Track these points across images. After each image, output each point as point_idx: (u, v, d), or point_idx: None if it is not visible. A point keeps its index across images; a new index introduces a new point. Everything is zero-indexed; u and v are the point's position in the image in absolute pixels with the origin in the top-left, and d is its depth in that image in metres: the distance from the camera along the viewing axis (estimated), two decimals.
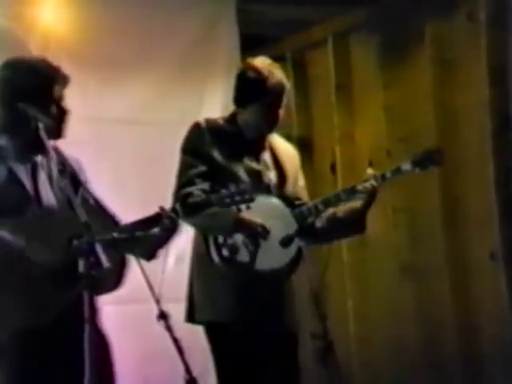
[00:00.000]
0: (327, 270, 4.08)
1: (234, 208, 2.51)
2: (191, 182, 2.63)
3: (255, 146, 2.74)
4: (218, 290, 2.64)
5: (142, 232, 2.38)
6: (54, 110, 2.41)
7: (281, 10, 4.07)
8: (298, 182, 2.83)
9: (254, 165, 2.70)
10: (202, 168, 2.65)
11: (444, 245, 3.73)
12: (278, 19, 4.15)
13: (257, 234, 2.61)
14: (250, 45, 4.03)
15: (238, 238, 2.63)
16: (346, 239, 3.66)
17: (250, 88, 2.68)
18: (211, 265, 2.64)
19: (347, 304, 4.10)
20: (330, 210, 2.74)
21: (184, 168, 2.68)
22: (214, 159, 2.66)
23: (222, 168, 2.65)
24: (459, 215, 3.71)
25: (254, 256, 2.62)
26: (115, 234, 2.27)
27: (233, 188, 2.41)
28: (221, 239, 2.63)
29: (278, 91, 2.67)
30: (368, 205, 2.70)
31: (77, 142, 3.38)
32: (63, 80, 2.46)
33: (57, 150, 2.48)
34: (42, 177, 2.41)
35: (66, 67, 3.48)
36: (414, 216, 3.89)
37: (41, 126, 2.33)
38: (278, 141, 2.84)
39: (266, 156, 2.75)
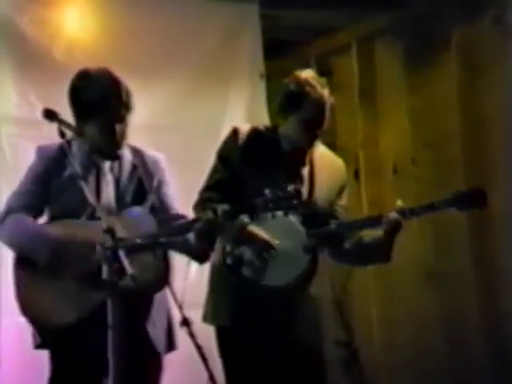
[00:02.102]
0: (350, 277, 4.06)
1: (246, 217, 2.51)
2: (214, 187, 2.64)
3: (293, 159, 2.70)
4: (222, 295, 2.65)
5: (164, 238, 2.40)
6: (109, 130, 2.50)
7: (304, 16, 4.05)
8: (337, 201, 2.77)
9: (286, 179, 2.63)
10: (227, 176, 2.65)
11: (470, 251, 3.69)
12: (302, 24, 4.14)
13: (260, 249, 2.59)
14: (274, 50, 4.02)
15: (246, 250, 2.62)
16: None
17: (290, 101, 2.65)
18: (220, 271, 2.66)
19: (371, 312, 4.06)
20: (358, 234, 2.70)
21: (213, 171, 2.70)
22: (245, 170, 2.65)
23: (250, 179, 2.63)
24: (485, 221, 3.66)
25: (256, 271, 2.60)
26: (138, 240, 2.28)
27: (280, 192, 2.40)
28: (228, 248, 2.63)
29: (318, 108, 2.63)
30: (391, 236, 2.64)
31: None
32: (120, 97, 2.55)
33: (137, 152, 2.57)
34: (108, 180, 2.48)
35: None
36: (439, 221, 3.84)
37: (73, 140, 2.40)
38: (322, 153, 2.78)
39: (305, 171, 2.71)
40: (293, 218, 2.65)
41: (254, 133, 2.70)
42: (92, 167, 2.49)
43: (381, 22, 4.04)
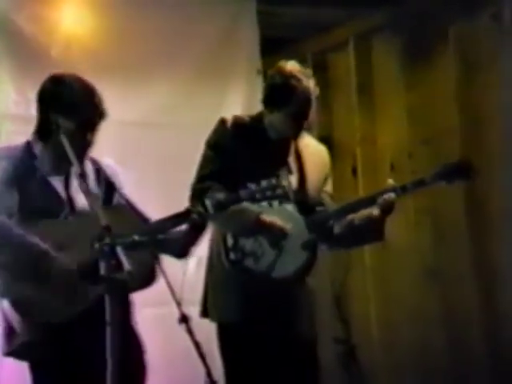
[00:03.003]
0: (348, 274, 4.06)
1: (255, 207, 2.52)
2: (211, 177, 2.64)
3: (279, 147, 2.73)
4: (226, 292, 2.65)
5: (163, 235, 2.40)
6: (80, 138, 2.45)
7: (301, 12, 4.05)
8: (324, 187, 2.81)
9: (272, 167, 2.69)
10: (222, 164, 2.66)
11: (468, 246, 3.69)
12: (299, 21, 4.14)
13: (277, 236, 2.61)
14: (271, 47, 4.02)
15: (248, 242, 2.62)
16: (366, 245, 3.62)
17: (277, 94, 2.67)
18: (221, 266, 2.65)
19: (370, 308, 4.07)
20: (349, 216, 2.72)
21: (206, 161, 2.70)
22: (235, 158, 2.66)
23: (240, 167, 2.65)
24: (483, 216, 3.67)
25: (261, 262, 2.60)
26: (136, 237, 2.28)
27: (264, 183, 2.42)
28: (230, 243, 2.63)
29: (305, 100, 2.65)
30: (385, 215, 2.66)
31: (97, 145, 3.41)
32: (98, 108, 2.50)
33: (92, 159, 2.54)
34: (75, 184, 2.46)
35: (88, 70, 3.52)
36: (437, 217, 3.85)
37: (64, 138, 2.38)
38: (307, 143, 2.81)
39: (291, 160, 2.74)
40: (289, 207, 2.66)
41: (241, 122, 2.72)
42: (60, 171, 2.47)
43: (378, 19, 4.04)
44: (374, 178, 4.11)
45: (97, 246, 2.26)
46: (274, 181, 2.43)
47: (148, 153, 3.68)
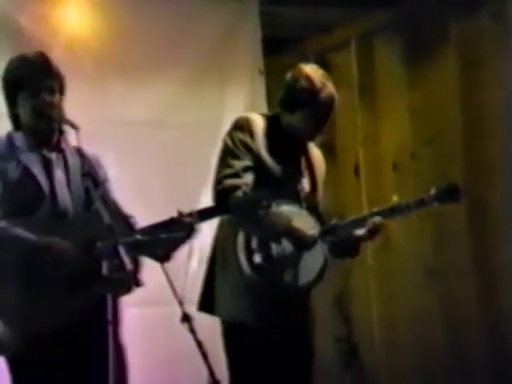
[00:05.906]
0: (350, 274, 4.06)
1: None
2: (237, 175, 2.59)
3: (296, 149, 2.74)
4: (241, 291, 2.62)
5: (165, 235, 2.39)
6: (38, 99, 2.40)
7: (303, 12, 4.05)
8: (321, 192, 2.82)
9: (290, 170, 2.69)
10: (248, 162, 2.62)
11: (469, 247, 3.69)
12: (301, 21, 4.14)
13: (305, 244, 2.61)
14: (273, 47, 4.02)
15: (273, 246, 2.61)
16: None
17: (301, 96, 2.65)
18: (238, 267, 2.61)
19: (372, 308, 4.07)
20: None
21: (229, 157, 2.63)
22: (259, 156, 2.64)
23: (263, 167, 2.64)
24: (484, 217, 3.67)
25: (282, 268, 2.60)
26: (138, 237, 2.28)
27: (251, 194, 2.44)
28: (255, 244, 2.60)
29: (329, 105, 2.66)
30: (371, 238, 2.67)
31: (100, 145, 3.41)
32: (50, 71, 2.45)
33: (78, 150, 2.45)
34: (58, 175, 2.43)
35: (90, 70, 3.53)
36: (439, 218, 3.85)
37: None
38: (311, 147, 2.82)
39: (302, 162, 2.75)
40: (306, 213, 2.67)
41: (260, 121, 2.69)
42: (41, 160, 2.42)
43: (380, 19, 4.04)
44: (376, 178, 4.11)
45: (99, 245, 2.25)
46: (260, 193, 2.44)
47: (150, 152, 3.68)
